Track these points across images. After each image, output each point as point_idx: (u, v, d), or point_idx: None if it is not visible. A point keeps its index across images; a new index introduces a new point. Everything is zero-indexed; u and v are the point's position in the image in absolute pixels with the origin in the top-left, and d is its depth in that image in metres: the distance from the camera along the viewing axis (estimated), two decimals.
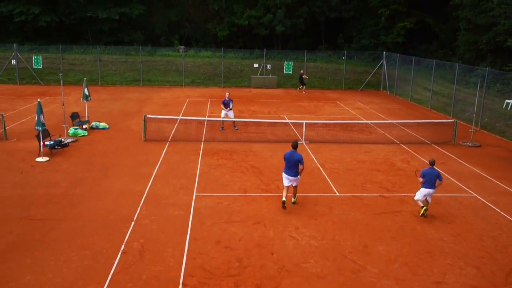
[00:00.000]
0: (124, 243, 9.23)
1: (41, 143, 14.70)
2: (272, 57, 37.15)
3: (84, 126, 18.21)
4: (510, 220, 11.04)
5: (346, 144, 17.54)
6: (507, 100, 22.75)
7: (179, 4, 47.18)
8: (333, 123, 20.60)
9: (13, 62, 31.87)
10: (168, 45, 42.84)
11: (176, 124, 19.62)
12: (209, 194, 12.05)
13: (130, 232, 9.71)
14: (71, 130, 17.46)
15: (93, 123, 19.04)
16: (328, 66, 36.93)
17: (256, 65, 34.52)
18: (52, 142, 15.21)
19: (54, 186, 12.30)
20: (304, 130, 17.76)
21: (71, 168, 13.81)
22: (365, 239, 9.73)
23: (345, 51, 37.35)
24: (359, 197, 12.17)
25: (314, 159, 15.44)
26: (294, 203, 11.49)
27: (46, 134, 15.15)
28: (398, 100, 29.92)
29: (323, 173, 14.08)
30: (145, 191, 12.12)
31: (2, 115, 17.25)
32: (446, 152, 16.84)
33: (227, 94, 19.45)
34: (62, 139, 16.03)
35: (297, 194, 11.60)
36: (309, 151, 16.25)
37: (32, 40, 39.81)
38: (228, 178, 13.29)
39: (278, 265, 8.60)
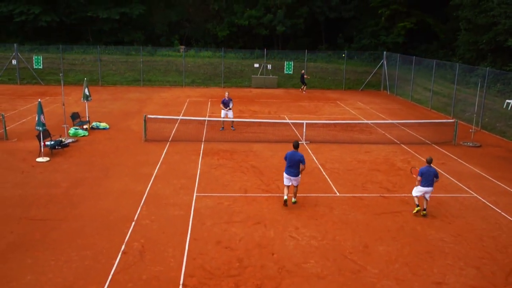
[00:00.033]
0: (124, 243, 9.24)
1: (42, 143, 14.71)
2: (272, 57, 37.16)
3: (85, 126, 18.22)
4: (510, 220, 11.04)
5: (347, 144, 17.55)
6: (507, 100, 22.73)
7: (179, 4, 47.19)
8: (334, 123, 20.60)
9: (14, 62, 31.89)
10: (169, 45, 42.85)
11: (177, 124, 19.63)
12: (209, 194, 12.06)
13: (131, 232, 9.72)
14: (72, 130, 17.47)
15: (94, 123, 19.04)
16: (328, 66, 36.94)
17: (256, 65, 34.52)
18: (52, 142, 15.22)
19: (55, 186, 12.31)
20: (304, 130, 17.76)
21: (71, 168, 13.82)
22: (366, 239, 9.74)
23: (346, 51, 37.34)
24: (359, 197, 12.17)
25: (315, 159, 15.44)
26: (294, 203, 11.50)
27: (46, 134, 15.16)
28: (399, 100, 29.92)
29: (324, 173, 14.08)
30: (145, 191, 12.13)
31: (2, 115, 17.26)
32: (447, 152, 16.84)
33: (226, 93, 19.45)
34: (63, 139, 16.04)
35: (297, 194, 11.61)
36: (310, 151, 16.25)
37: (32, 40, 39.83)
38: (228, 178, 13.29)
39: (279, 265, 8.60)
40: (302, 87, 31.84)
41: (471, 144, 18.09)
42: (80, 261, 8.52)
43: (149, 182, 12.77)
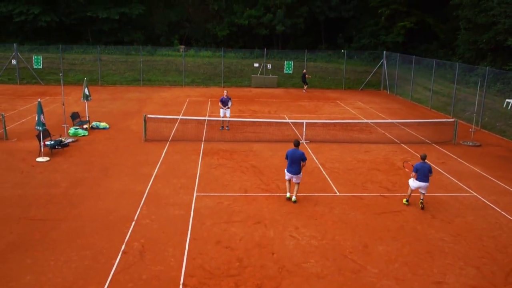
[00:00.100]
0: (124, 243, 9.23)
1: (42, 143, 14.70)
2: (272, 56, 37.15)
3: (85, 126, 18.22)
4: (511, 219, 11.04)
5: (347, 144, 17.54)
6: (507, 100, 22.72)
7: (179, 4, 47.19)
8: (334, 123, 20.60)
9: (13, 62, 31.88)
10: (168, 45, 42.85)
11: (177, 124, 19.62)
12: (209, 194, 12.06)
13: (131, 232, 9.72)
14: (72, 130, 17.47)
15: (94, 123, 19.04)
16: (328, 65, 36.93)
17: (256, 65, 34.52)
18: (52, 142, 15.22)
19: (54, 186, 12.30)
20: (304, 130, 17.76)
21: (71, 168, 13.81)
22: (365, 239, 9.73)
23: (345, 51, 37.31)
24: (359, 196, 12.17)
25: (315, 158, 15.43)
26: (295, 202, 11.52)
27: (46, 134, 15.16)
28: (398, 99, 29.91)
29: (324, 172, 14.08)
30: (145, 191, 12.12)
31: (2, 115, 17.25)
32: (447, 152, 16.84)
33: (225, 92, 19.42)
34: (63, 139, 16.03)
35: (297, 194, 11.64)
36: (310, 151, 16.25)
37: (32, 40, 39.83)
38: (228, 178, 13.29)
39: (279, 265, 8.60)
40: (304, 87, 31.86)
41: (471, 144, 18.09)
42: (80, 261, 8.52)
43: (149, 182, 12.76)
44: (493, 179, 13.95)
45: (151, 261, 8.60)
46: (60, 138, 15.95)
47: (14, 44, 32.75)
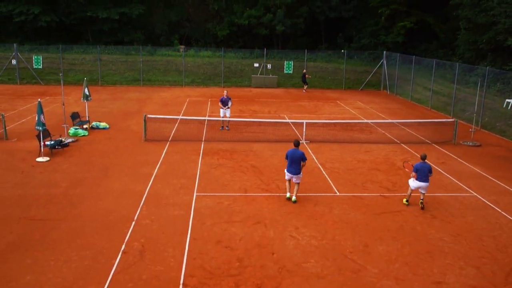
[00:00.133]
0: (124, 243, 9.23)
1: (42, 143, 14.70)
2: (272, 56, 37.15)
3: (85, 126, 18.21)
4: (511, 219, 11.04)
5: (347, 144, 17.54)
6: (507, 100, 22.72)
7: (179, 4, 47.20)
8: (334, 123, 20.60)
9: (13, 62, 31.88)
10: (168, 45, 42.85)
11: (177, 124, 19.62)
12: (209, 194, 12.05)
13: (131, 232, 9.72)
14: (72, 130, 17.47)
15: (94, 123, 19.04)
16: (328, 65, 36.93)
17: (256, 65, 34.52)
18: (52, 142, 15.21)
19: (54, 186, 12.30)
20: (304, 130, 17.76)
21: (71, 168, 13.81)
22: (366, 239, 9.73)
23: (345, 51, 37.32)
24: (359, 196, 12.17)
25: (315, 158, 15.43)
26: (294, 202, 11.52)
27: (46, 134, 15.16)
28: (398, 99, 29.91)
29: (324, 172, 14.08)
30: (145, 191, 12.12)
31: (2, 115, 17.25)
32: (447, 152, 16.84)
33: (225, 92, 19.42)
34: (63, 139, 16.03)
35: (297, 194, 11.64)
36: (310, 151, 16.25)
37: (32, 40, 39.83)
38: (228, 178, 13.29)
39: (279, 265, 8.60)
40: (304, 87, 31.86)
41: (471, 144, 18.09)
42: (80, 261, 8.51)
43: (149, 182, 12.76)
44: (493, 179, 13.95)
45: (151, 261, 8.60)
46: (60, 138, 15.95)
47: (14, 44, 32.75)
